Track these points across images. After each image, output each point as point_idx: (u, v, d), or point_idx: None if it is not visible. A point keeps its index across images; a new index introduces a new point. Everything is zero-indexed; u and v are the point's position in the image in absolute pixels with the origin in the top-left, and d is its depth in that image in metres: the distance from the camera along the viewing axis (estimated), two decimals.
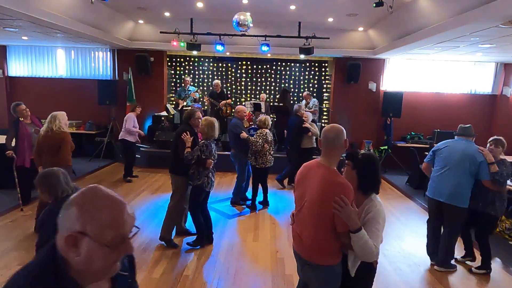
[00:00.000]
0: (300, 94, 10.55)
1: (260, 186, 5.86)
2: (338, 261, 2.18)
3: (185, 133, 4.12)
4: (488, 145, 3.88)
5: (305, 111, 8.71)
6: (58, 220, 1.05)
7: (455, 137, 4.01)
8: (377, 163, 2.23)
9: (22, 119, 5.07)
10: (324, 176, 2.11)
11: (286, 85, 10.63)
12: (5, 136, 5.29)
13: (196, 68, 10.78)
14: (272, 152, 5.74)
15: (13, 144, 5.15)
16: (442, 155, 3.91)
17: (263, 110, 9.17)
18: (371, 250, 2.00)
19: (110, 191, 1.07)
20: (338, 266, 2.19)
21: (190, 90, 9.12)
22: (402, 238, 4.81)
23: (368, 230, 2.05)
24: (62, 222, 1.02)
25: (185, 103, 8.96)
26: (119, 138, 7.13)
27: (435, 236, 4.10)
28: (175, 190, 4.35)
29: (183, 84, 9.29)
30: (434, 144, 4.39)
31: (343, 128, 2.25)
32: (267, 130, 5.65)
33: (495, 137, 3.90)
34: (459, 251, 4.30)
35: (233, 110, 9.68)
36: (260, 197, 5.95)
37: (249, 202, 5.90)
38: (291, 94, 9.86)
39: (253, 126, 8.87)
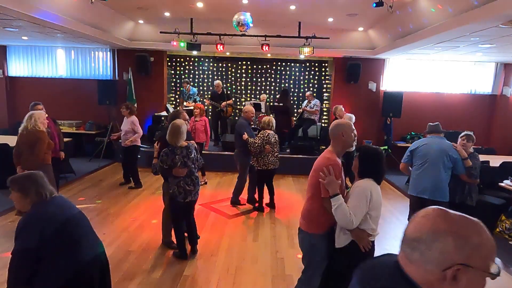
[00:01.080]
0: (300, 94, 10.57)
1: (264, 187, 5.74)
2: (320, 232, 2.52)
3: (157, 142, 4.00)
4: (460, 140, 4.13)
5: (306, 110, 8.77)
6: (423, 254, 0.95)
7: (427, 135, 4.17)
8: (378, 155, 2.45)
9: None
10: (321, 154, 2.64)
11: (286, 85, 10.63)
12: (5, 136, 5.30)
13: (196, 68, 10.77)
14: (276, 154, 5.55)
15: None
16: (420, 153, 4.02)
17: (263, 110, 9.17)
18: (346, 215, 2.27)
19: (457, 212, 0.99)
20: (319, 237, 2.52)
21: (191, 93, 9.13)
22: None
23: (349, 201, 2.35)
24: (431, 256, 0.93)
25: (185, 104, 8.97)
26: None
27: None
28: (163, 194, 4.33)
29: (183, 86, 9.27)
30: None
31: (347, 123, 2.63)
32: (271, 132, 5.50)
33: (467, 132, 4.20)
34: None
35: (233, 110, 9.69)
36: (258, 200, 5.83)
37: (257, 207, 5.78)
38: (291, 94, 9.86)
39: (253, 126, 8.87)
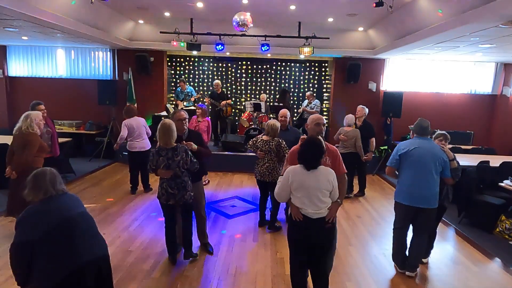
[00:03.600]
0: (300, 94, 10.56)
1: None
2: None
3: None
4: (437, 141, 3.92)
5: (307, 110, 8.77)
6: None
7: (414, 135, 3.86)
8: (306, 143, 2.83)
9: None
10: None
11: (286, 85, 10.63)
12: (5, 136, 5.28)
13: (196, 68, 10.77)
14: (266, 166, 4.67)
15: None
16: (412, 158, 3.68)
17: (263, 110, 9.16)
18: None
19: None
20: None
21: (188, 91, 9.14)
22: None
23: None
24: None
25: (185, 103, 8.97)
26: (148, 149, 6.29)
27: (404, 243, 3.94)
28: None
29: (179, 86, 9.27)
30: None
31: (311, 117, 3.29)
32: (266, 138, 4.71)
33: (441, 131, 4.02)
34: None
35: (233, 110, 9.69)
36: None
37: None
38: (290, 94, 9.85)
39: (253, 126, 8.87)
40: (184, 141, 3.77)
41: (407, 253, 3.92)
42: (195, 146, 3.81)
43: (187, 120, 3.90)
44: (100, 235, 2.45)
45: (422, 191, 3.65)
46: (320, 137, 2.98)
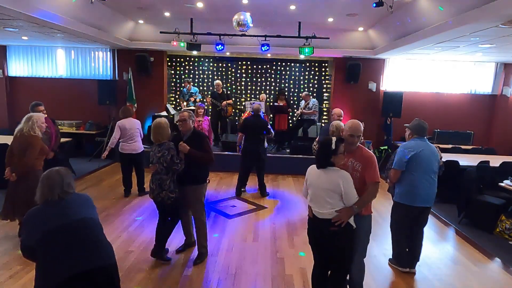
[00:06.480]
0: (300, 94, 10.55)
1: None
2: None
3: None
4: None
5: (304, 112, 8.75)
6: None
7: (415, 136, 3.84)
8: (319, 144, 2.91)
9: None
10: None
11: (286, 85, 10.62)
12: (5, 136, 5.27)
13: (196, 68, 10.77)
14: None
15: None
16: (420, 159, 3.70)
17: (263, 110, 9.15)
18: None
19: None
20: None
21: (192, 92, 9.14)
22: None
23: None
24: None
25: (185, 104, 8.97)
26: (140, 151, 6.19)
27: (406, 243, 3.95)
28: None
29: (183, 85, 9.28)
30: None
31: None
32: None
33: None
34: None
35: (233, 110, 9.68)
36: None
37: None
38: (286, 94, 9.75)
39: None
40: (182, 142, 3.74)
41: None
42: (186, 149, 3.69)
43: (187, 121, 3.77)
44: (105, 243, 2.31)
45: (428, 191, 3.76)
46: (333, 138, 2.79)
